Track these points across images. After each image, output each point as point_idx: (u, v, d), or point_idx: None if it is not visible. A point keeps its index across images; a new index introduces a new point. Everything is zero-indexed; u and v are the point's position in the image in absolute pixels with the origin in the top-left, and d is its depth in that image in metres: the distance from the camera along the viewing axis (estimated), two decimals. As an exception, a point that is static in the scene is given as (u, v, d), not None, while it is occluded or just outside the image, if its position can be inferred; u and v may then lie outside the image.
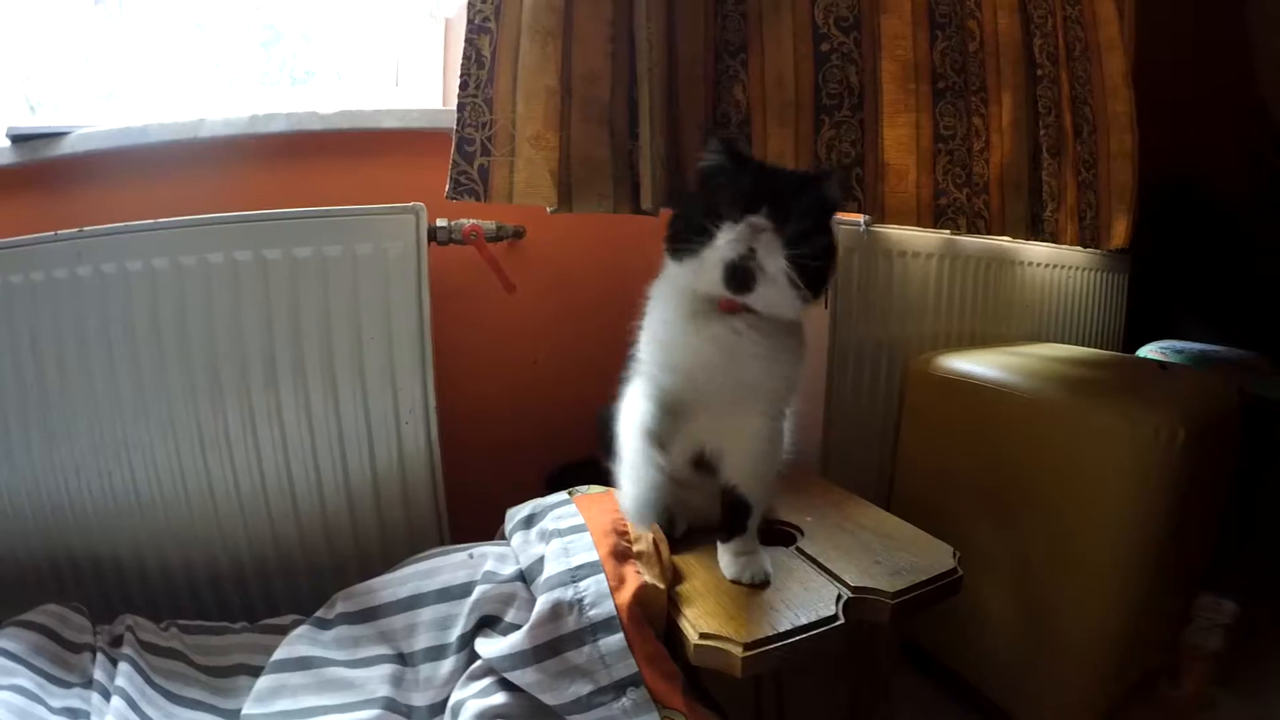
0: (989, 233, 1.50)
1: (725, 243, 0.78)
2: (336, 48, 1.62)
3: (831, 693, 1.12)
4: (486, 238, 1.22)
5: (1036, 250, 1.72)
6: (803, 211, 0.79)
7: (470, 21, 1.05)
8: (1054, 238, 1.60)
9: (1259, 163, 2.16)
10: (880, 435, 1.48)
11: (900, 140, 1.36)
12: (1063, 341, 1.80)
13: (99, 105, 1.49)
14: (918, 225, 1.41)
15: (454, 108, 1.06)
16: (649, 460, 0.80)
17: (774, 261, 0.78)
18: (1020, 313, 1.72)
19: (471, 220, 1.21)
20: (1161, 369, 1.54)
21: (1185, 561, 1.30)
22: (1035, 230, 1.57)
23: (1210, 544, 1.44)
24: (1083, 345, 1.85)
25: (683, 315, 0.85)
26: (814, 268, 0.79)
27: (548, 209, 1.11)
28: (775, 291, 0.79)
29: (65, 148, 1.22)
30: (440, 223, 1.19)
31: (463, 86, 1.05)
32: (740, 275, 0.79)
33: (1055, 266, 1.80)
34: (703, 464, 0.94)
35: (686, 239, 0.81)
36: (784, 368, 0.87)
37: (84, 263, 1.02)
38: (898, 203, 1.37)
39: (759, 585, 0.88)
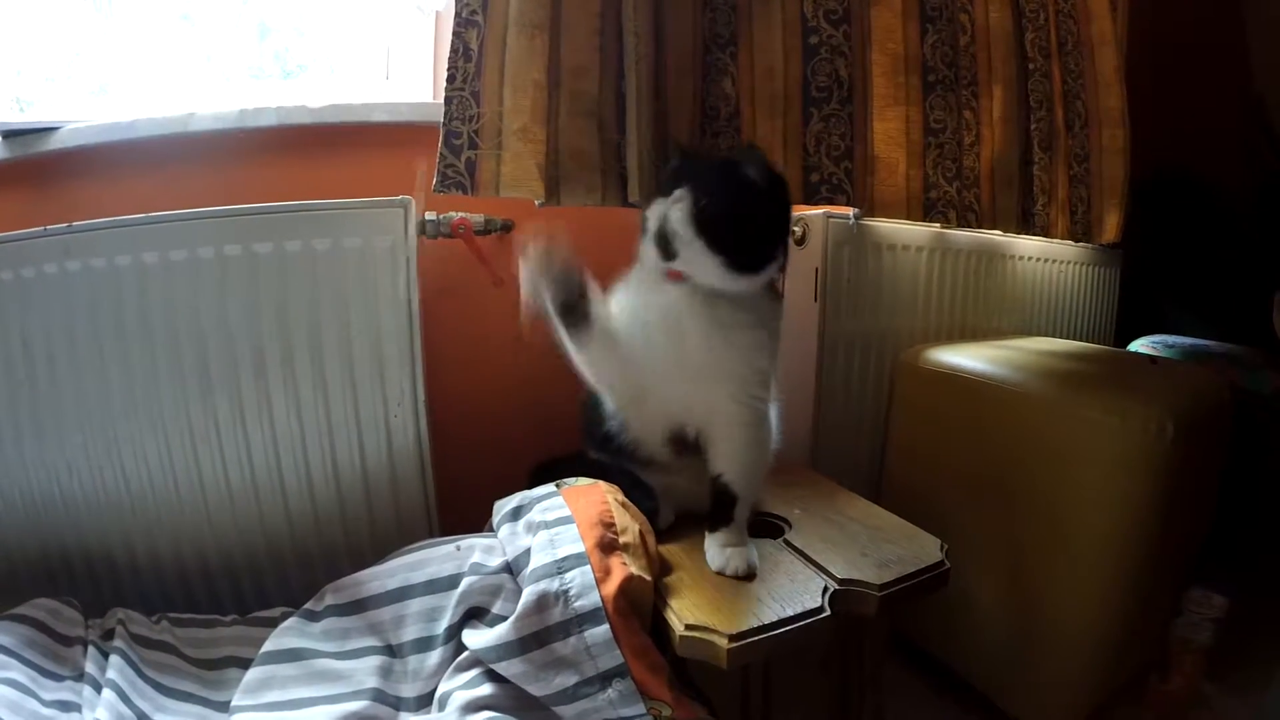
0: (979, 226, 1.50)
1: (651, 215, 0.90)
2: (329, 42, 1.62)
3: (820, 685, 1.12)
4: (475, 231, 1.22)
5: (1027, 244, 1.73)
6: (715, 184, 0.87)
7: (458, 15, 1.05)
8: (1045, 232, 1.60)
9: (1253, 159, 2.16)
10: (870, 428, 1.48)
11: (890, 133, 1.36)
12: (1053, 336, 1.80)
13: (90, 101, 1.49)
14: (907, 218, 1.41)
15: (443, 101, 1.06)
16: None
17: (684, 226, 0.86)
18: (1011, 307, 1.72)
19: (460, 213, 1.22)
20: (1152, 364, 1.55)
21: (1175, 555, 1.31)
22: (1026, 224, 1.57)
23: (1200, 537, 1.44)
24: (1074, 340, 1.85)
25: (640, 281, 0.95)
26: (730, 233, 0.86)
27: (535, 202, 1.11)
28: (696, 257, 0.87)
29: (55, 143, 1.22)
30: (429, 216, 1.19)
31: (450, 80, 1.05)
32: (661, 241, 0.88)
33: (1046, 261, 1.80)
34: (682, 446, 0.96)
35: (643, 220, 0.94)
36: (739, 350, 0.90)
37: (73, 258, 1.02)
38: (887, 196, 1.37)
39: (742, 578, 0.88)
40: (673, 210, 0.87)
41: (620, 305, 0.94)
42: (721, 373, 0.90)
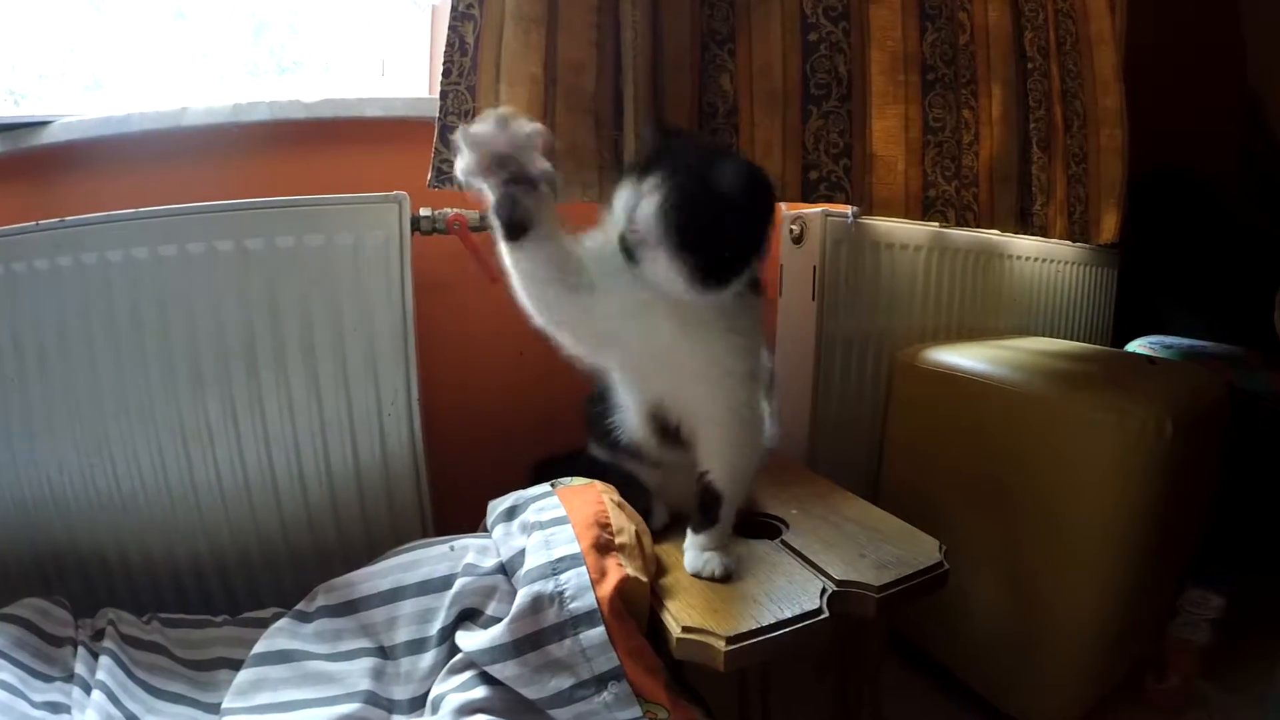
0: (978, 226, 1.50)
1: (619, 203, 0.81)
2: (324, 38, 1.61)
3: (819, 686, 1.12)
4: (470, 227, 1.21)
5: (1025, 244, 1.72)
6: (689, 182, 0.77)
7: (454, 9, 1.04)
8: (1043, 231, 1.59)
9: (1250, 158, 2.17)
10: (868, 428, 1.48)
11: (889, 131, 1.36)
12: (1051, 336, 1.80)
13: (85, 97, 1.48)
14: (905, 217, 1.41)
15: (438, 96, 1.05)
16: None
17: (650, 225, 0.77)
18: (1009, 306, 1.72)
19: (455, 209, 1.20)
20: (1150, 364, 1.54)
21: (1173, 555, 1.31)
22: (1024, 224, 1.57)
23: (1198, 537, 1.44)
24: (1071, 340, 1.85)
25: (610, 256, 0.84)
26: (696, 242, 0.77)
27: (531, 198, 1.10)
28: (658, 263, 0.78)
29: (48, 137, 1.21)
30: (424, 212, 1.18)
31: (445, 74, 1.04)
32: (623, 242, 0.80)
33: (1044, 260, 1.80)
34: (664, 431, 0.93)
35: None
36: (708, 355, 0.85)
37: (64, 253, 1.01)
38: (886, 194, 1.37)
39: (719, 581, 0.87)
40: (644, 203, 0.77)
41: (591, 259, 0.85)
42: (696, 374, 0.86)
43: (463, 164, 0.76)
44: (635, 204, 0.78)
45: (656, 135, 0.92)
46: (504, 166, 0.75)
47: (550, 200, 0.80)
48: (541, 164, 0.77)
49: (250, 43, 1.58)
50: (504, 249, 0.81)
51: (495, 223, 0.79)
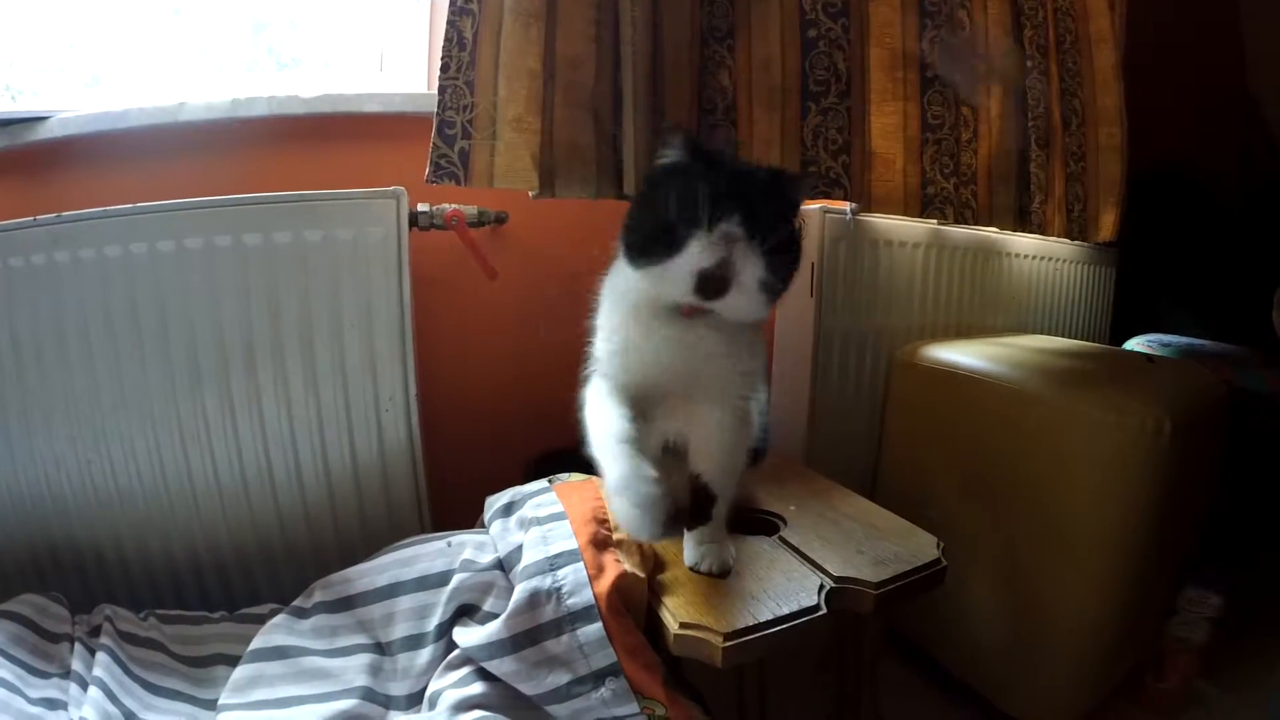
0: (976, 223, 1.50)
1: (698, 252, 0.76)
2: (322, 33, 1.61)
3: (817, 683, 1.12)
4: (468, 223, 1.21)
5: (1024, 242, 1.72)
6: (775, 217, 0.78)
7: (453, 3, 1.04)
8: (1041, 229, 1.60)
9: (1248, 157, 2.17)
10: (865, 425, 1.48)
11: (887, 128, 1.36)
12: (1049, 334, 1.80)
13: (84, 92, 1.47)
14: (904, 214, 1.41)
15: (436, 91, 1.05)
16: (641, 476, 0.76)
17: (750, 271, 0.77)
18: (1007, 304, 1.72)
19: (453, 205, 1.20)
20: (1149, 363, 1.54)
21: (1171, 554, 1.30)
22: (1023, 222, 1.57)
23: (1197, 537, 1.44)
24: (1069, 338, 1.84)
25: (640, 320, 0.84)
26: (786, 272, 0.80)
27: (529, 193, 1.10)
28: (746, 298, 0.78)
29: (45, 132, 1.21)
30: (422, 207, 1.18)
31: (444, 69, 1.04)
32: (714, 284, 0.77)
33: (1042, 258, 1.80)
34: (669, 449, 0.93)
35: (648, 246, 0.79)
36: (743, 363, 0.86)
37: (62, 249, 1.01)
38: (884, 191, 1.37)
39: (717, 575, 0.87)
40: (734, 252, 0.76)
41: (617, 344, 0.86)
42: (722, 387, 0.86)
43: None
44: (724, 251, 0.76)
45: (687, 150, 0.83)
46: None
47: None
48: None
49: (249, 38, 1.58)
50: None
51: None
